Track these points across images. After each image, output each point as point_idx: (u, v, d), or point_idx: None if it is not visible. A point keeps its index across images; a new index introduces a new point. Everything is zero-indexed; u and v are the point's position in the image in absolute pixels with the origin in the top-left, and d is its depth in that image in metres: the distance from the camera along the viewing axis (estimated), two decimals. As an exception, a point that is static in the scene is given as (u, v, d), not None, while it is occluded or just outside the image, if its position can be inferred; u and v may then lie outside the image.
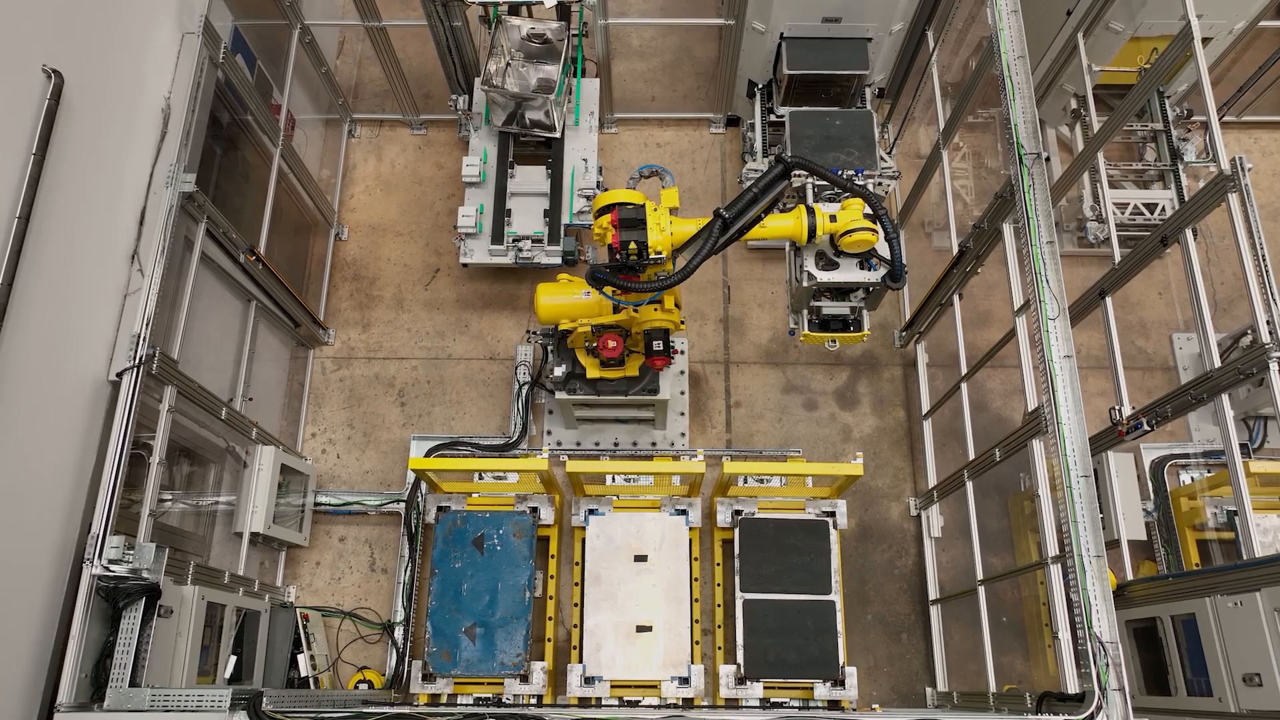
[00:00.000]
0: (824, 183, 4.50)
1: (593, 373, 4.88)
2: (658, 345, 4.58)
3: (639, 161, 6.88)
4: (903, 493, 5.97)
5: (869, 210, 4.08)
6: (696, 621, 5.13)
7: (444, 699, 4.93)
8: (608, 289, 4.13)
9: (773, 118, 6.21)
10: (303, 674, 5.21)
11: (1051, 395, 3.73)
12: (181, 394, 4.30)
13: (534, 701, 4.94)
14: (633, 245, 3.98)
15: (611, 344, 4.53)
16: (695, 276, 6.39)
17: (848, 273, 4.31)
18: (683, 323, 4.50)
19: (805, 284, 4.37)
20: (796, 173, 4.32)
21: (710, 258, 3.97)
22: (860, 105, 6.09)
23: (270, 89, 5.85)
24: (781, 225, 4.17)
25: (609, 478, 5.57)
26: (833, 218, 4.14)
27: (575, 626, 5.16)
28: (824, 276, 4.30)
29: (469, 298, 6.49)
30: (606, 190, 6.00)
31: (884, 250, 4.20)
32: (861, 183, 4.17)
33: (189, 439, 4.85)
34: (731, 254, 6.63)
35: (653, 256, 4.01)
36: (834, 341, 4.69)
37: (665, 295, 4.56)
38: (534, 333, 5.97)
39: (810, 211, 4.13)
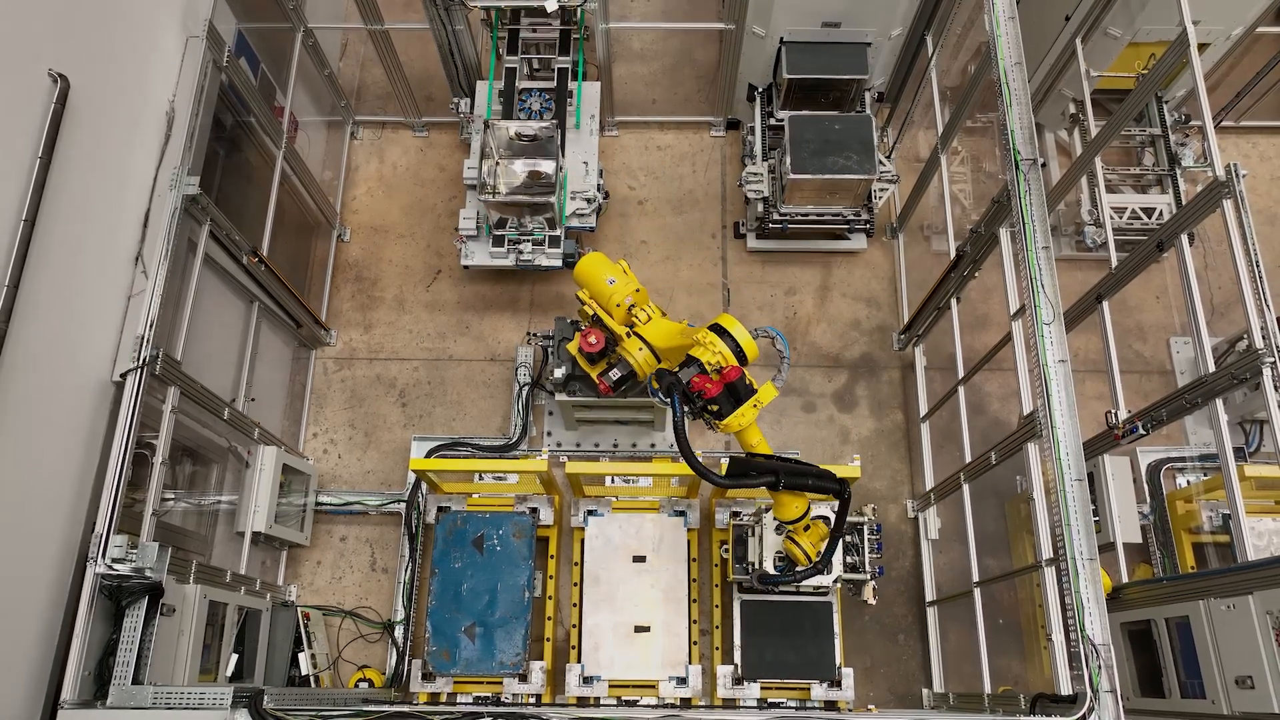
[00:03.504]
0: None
1: (571, 347, 4.87)
2: (613, 374, 4.43)
3: (640, 165, 6.92)
4: (900, 495, 6.00)
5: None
6: (694, 622, 5.16)
7: (443, 698, 4.97)
8: (661, 391, 3.88)
9: (772, 121, 6.25)
10: (303, 672, 5.25)
11: (1046, 400, 3.76)
12: (184, 394, 4.33)
13: (533, 701, 4.98)
14: (713, 408, 3.89)
15: (593, 339, 4.55)
16: (695, 279, 6.55)
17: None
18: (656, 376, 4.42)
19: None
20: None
21: (753, 487, 4.06)
22: (859, 109, 6.13)
23: (273, 91, 5.89)
24: (791, 504, 4.22)
25: (608, 479, 5.60)
26: (808, 527, 4.38)
27: (574, 626, 5.20)
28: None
29: (470, 299, 6.52)
30: (609, 196, 6.04)
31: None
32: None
33: (192, 439, 4.89)
34: (731, 256, 6.67)
35: (714, 423, 3.97)
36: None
37: (653, 346, 4.43)
38: (534, 334, 6.01)
39: (807, 512, 4.26)
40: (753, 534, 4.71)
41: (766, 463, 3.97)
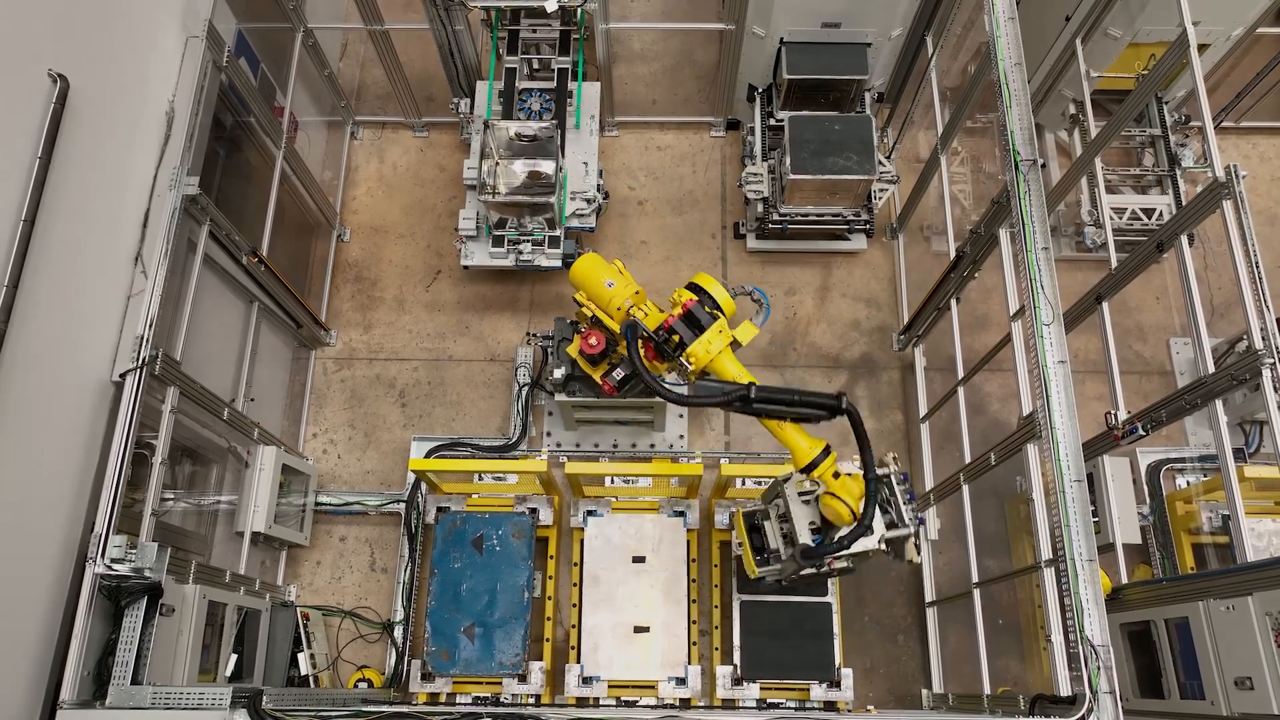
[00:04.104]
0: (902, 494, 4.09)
1: (571, 350, 4.89)
2: (617, 374, 4.48)
3: (640, 165, 6.92)
4: (900, 495, 5.99)
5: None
6: (694, 622, 5.16)
7: (443, 698, 4.97)
8: (623, 346, 4.08)
9: (772, 121, 6.25)
10: (303, 672, 5.25)
11: (1045, 400, 3.76)
12: (184, 394, 4.33)
13: (532, 701, 4.98)
14: (676, 337, 3.94)
15: (593, 341, 4.56)
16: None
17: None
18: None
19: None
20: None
21: (723, 406, 3.83)
22: (859, 110, 6.13)
23: (273, 91, 5.89)
24: (795, 439, 3.90)
25: (608, 479, 5.60)
26: (837, 474, 3.85)
27: (573, 627, 5.20)
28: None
29: (470, 299, 6.53)
30: (609, 196, 6.04)
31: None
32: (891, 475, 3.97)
33: (191, 439, 4.89)
34: (731, 256, 6.67)
35: (683, 360, 3.95)
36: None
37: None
38: (534, 335, 6.01)
39: (827, 451, 3.86)
40: (768, 517, 4.18)
41: (736, 384, 3.79)
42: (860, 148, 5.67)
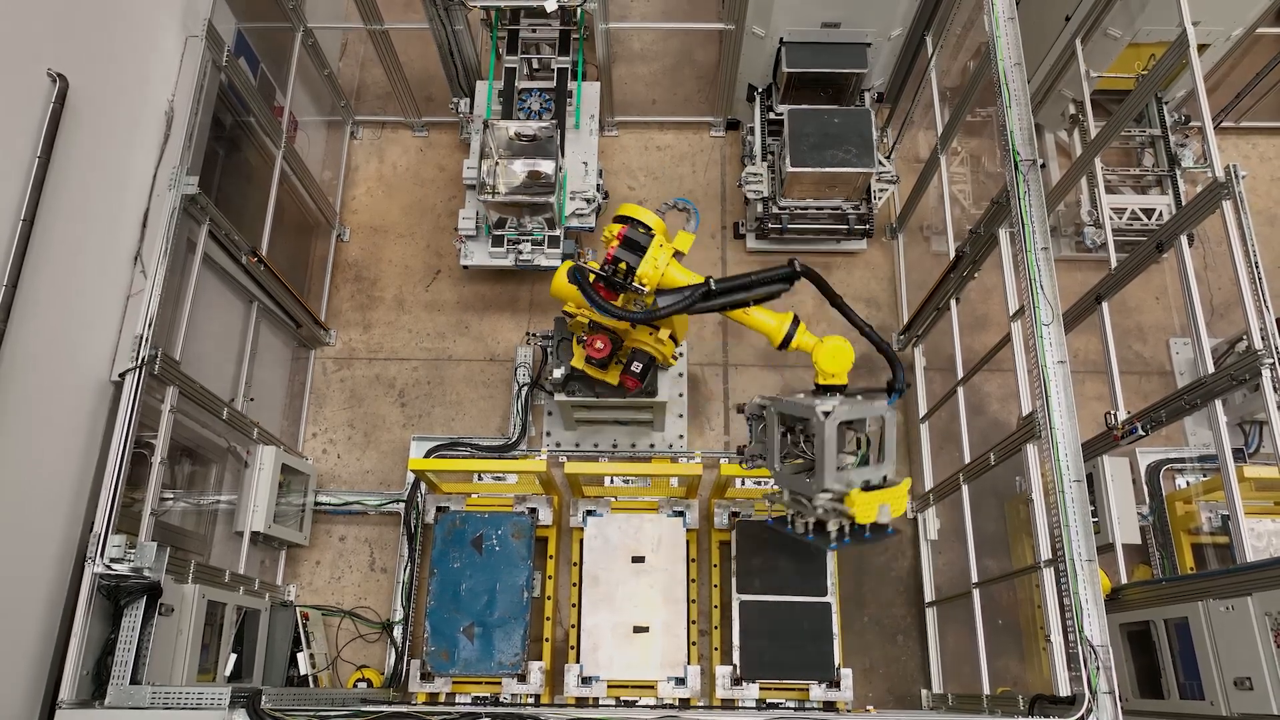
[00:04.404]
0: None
1: (577, 361, 4.91)
2: (636, 367, 4.57)
3: (639, 165, 6.92)
4: (900, 495, 5.99)
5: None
6: (693, 622, 5.16)
7: (442, 698, 4.97)
8: (578, 291, 4.18)
9: (772, 116, 6.24)
10: (302, 672, 5.24)
11: (1045, 401, 3.76)
12: (183, 394, 4.33)
13: (531, 701, 4.98)
14: (623, 265, 4.00)
15: (599, 345, 4.57)
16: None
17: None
18: (677, 356, 4.41)
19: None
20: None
21: (689, 307, 3.87)
22: (859, 105, 6.12)
23: (273, 91, 5.89)
24: (763, 320, 4.02)
25: (607, 479, 5.61)
26: (816, 359, 3.89)
27: (573, 627, 5.19)
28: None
29: (469, 299, 6.52)
30: (608, 196, 6.06)
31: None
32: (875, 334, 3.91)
33: (190, 439, 4.89)
34: (731, 256, 6.67)
35: (635, 285, 4.02)
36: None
37: (662, 324, 4.55)
38: (534, 334, 6.01)
39: (795, 321, 3.98)
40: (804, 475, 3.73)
41: (694, 284, 3.89)
42: (859, 141, 5.68)
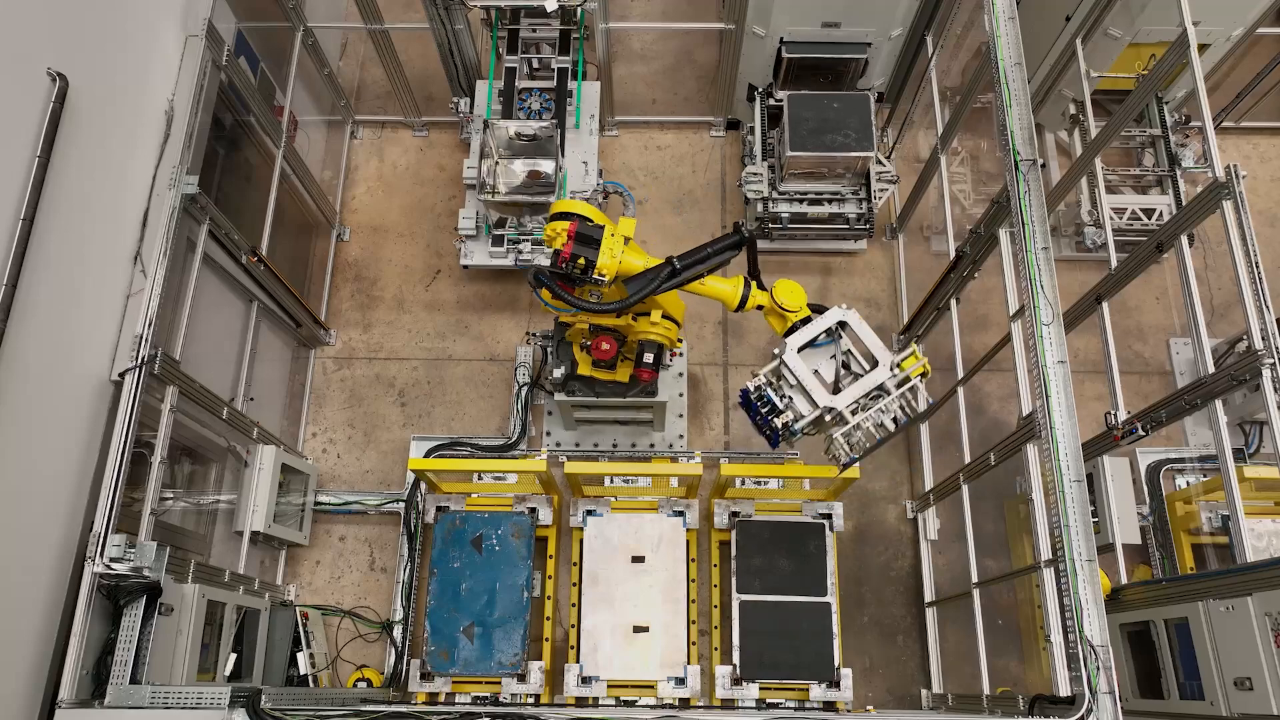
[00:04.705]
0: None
1: (584, 369, 4.91)
2: (648, 358, 4.61)
3: (639, 165, 6.92)
4: (899, 495, 6.00)
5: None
6: (693, 622, 5.16)
7: (442, 698, 4.97)
8: (544, 293, 4.24)
9: (771, 103, 6.23)
10: (302, 672, 5.24)
11: (1045, 401, 3.75)
12: (183, 394, 4.33)
13: (531, 701, 4.98)
14: (582, 261, 4.01)
15: (605, 346, 4.57)
16: (695, 279, 6.51)
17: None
18: (680, 339, 4.51)
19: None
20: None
21: (659, 287, 4.03)
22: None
23: (273, 91, 5.89)
24: (720, 288, 4.24)
25: (607, 479, 5.60)
26: (773, 299, 4.18)
27: (573, 627, 5.19)
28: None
29: (469, 299, 6.52)
30: (608, 196, 6.07)
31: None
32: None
33: (190, 438, 4.89)
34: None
35: (595, 277, 4.05)
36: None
37: (652, 308, 4.57)
38: (534, 334, 6.01)
39: (747, 283, 4.21)
40: (773, 386, 4.06)
41: (659, 266, 4.04)
42: (858, 125, 5.67)
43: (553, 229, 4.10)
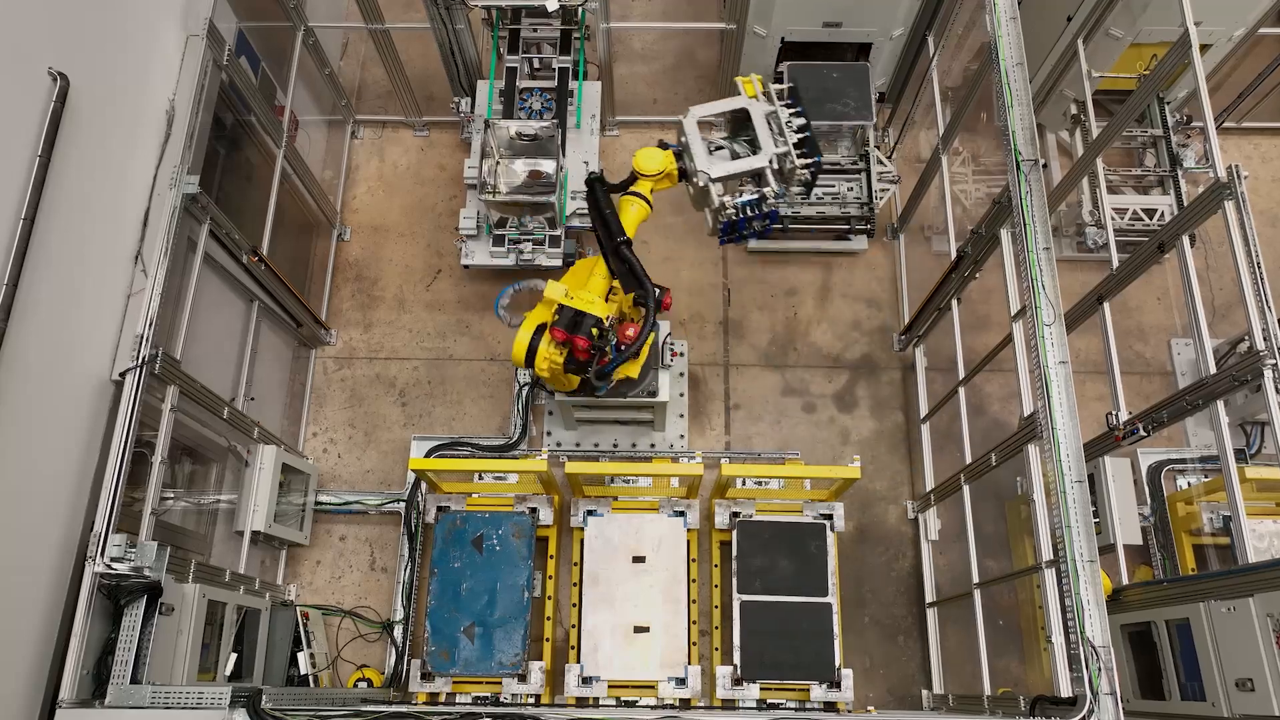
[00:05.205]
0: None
1: (576, 381, 4.86)
2: (639, 333, 4.52)
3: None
4: (900, 496, 6.00)
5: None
6: (694, 623, 5.16)
7: (442, 698, 4.97)
8: (615, 375, 4.40)
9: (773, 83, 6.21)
10: (302, 672, 5.24)
11: (1046, 401, 3.75)
12: (184, 393, 4.33)
13: (532, 701, 4.98)
14: (594, 330, 4.08)
15: (581, 344, 4.53)
16: (696, 279, 6.54)
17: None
18: (629, 320, 4.61)
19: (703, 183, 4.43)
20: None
21: (641, 277, 4.22)
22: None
23: (274, 90, 5.88)
24: (635, 216, 4.38)
25: (608, 479, 5.60)
26: (635, 171, 4.45)
27: (573, 627, 5.19)
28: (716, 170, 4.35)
29: (470, 299, 6.52)
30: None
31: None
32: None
33: (191, 438, 4.89)
34: (732, 256, 6.66)
35: (606, 325, 4.16)
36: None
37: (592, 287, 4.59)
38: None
39: (627, 194, 4.40)
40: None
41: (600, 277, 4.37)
42: (857, 95, 5.69)
43: (547, 355, 4.23)
